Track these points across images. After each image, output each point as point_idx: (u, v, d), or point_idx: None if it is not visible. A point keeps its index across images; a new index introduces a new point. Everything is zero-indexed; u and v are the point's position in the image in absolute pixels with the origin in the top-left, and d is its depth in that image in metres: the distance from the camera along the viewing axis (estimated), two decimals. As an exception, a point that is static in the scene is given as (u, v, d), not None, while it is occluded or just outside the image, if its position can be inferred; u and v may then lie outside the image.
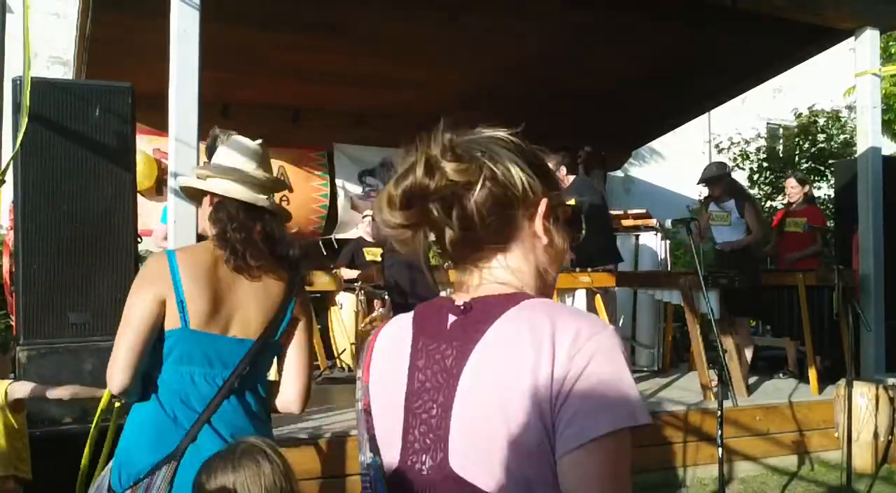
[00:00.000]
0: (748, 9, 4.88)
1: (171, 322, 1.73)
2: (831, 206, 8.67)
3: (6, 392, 2.81)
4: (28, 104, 3.05)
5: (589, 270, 5.03)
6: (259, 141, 1.95)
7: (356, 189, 8.17)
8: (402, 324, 1.00)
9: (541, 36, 5.76)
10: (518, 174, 0.93)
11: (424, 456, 0.89)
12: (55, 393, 2.80)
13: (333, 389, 5.24)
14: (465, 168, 0.91)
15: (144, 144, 6.74)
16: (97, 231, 3.58)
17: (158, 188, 7.18)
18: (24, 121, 3.07)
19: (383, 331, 1.03)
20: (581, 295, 5.03)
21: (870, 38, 5.25)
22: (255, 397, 1.83)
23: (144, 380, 1.77)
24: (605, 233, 5.42)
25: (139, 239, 4.03)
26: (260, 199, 1.85)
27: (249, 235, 1.81)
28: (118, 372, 1.71)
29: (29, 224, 3.50)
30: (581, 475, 0.80)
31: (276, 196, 8.21)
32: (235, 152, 1.91)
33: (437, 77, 6.70)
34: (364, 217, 6.78)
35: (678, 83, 6.70)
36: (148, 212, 6.44)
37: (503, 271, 0.95)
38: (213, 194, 1.87)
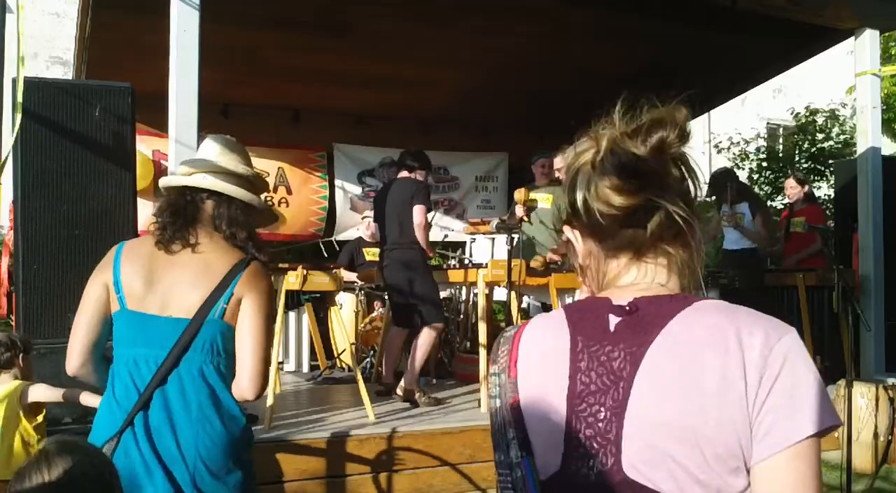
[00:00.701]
0: (748, 9, 4.88)
1: (114, 306, 1.82)
2: (831, 206, 8.67)
3: (21, 395, 2.80)
4: (20, 101, 3.05)
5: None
6: (226, 136, 2.01)
7: (356, 189, 8.17)
8: (553, 322, 0.96)
9: (540, 36, 5.76)
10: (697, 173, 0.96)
11: (591, 461, 0.86)
12: (84, 398, 2.79)
13: (333, 389, 5.24)
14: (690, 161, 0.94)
15: (142, 145, 6.73)
16: (97, 231, 3.58)
17: (157, 189, 7.17)
18: (18, 117, 3.07)
19: (530, 329, 0.98)
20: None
21: (870, 38, 5.25)
22: (204, 381, 1.78)
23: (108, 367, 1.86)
24: None
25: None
26: (197, 179, 1.88)
27: (176, 215, 1.85)
28: (70, 355, 1.85)
29: (29, 224, 3.50)
30: (784, 479, 0.79)
31: (277, 197, 8.20)
32: (203, 148, 1.99)
33: (437, 77, 6.70)
34: (364, 218, 6.77)
35: (678, 83, 6.68)
36: (145, 211, 6.43)
37: (667, 271, 0.93)
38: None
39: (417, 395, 4.42)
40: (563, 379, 0.90)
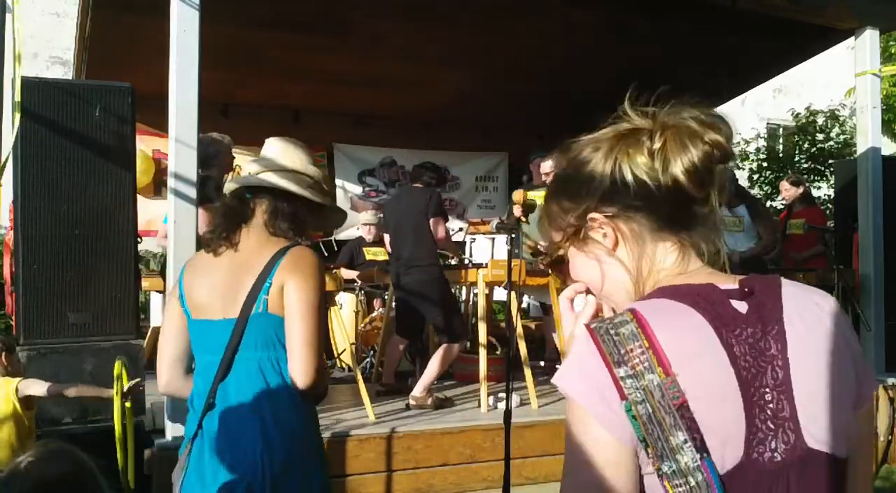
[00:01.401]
0: (748, 9, 4.88)
1: (184, 319, 1.88)
2: (831, 206, 8.67)
3: (17, 389, 2.83)
4: (18, 100, 3.05)
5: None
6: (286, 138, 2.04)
7: (356, 189, 8.17)
8: (680, 312, 0.89)
9: (541, 36, 5.76)
10: None
11: (774, 442, 0.86)
12: (71, 391, 2.84)
13: (333, 389, 5.24)
14: None
15: (141, 145, 6.73)
16: (97, 231, 3.58)
17: (157, 188, 7.18)
18: (17, 117, 3.07)
19: (658, 320, 0.88)
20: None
21: (870, 38, 5.25)
22: (262, 378, 1.76)
23: None
24: None
25: (139, 239, 4.03)
26: (252, 178, 1.90)
27: (227, 216, 1.87)
28: (160, 373, 1.90)
29: (29, 224, 3.50)
30: (869, 421, 0.96)
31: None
32: (265, 148, 2.00)
33: (437, 77, 6.70)
34: (365, 225, 6.76)
35: (678, 83, 6.67)
36: (145, 210, 6.44)
37: (697, 256, 0.97)
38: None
39: (429, 400, 4.42)
40: (727, 369, 0.86)
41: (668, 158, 0.92)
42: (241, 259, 1.82)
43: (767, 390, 0.87)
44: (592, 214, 0.95)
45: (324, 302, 1.84)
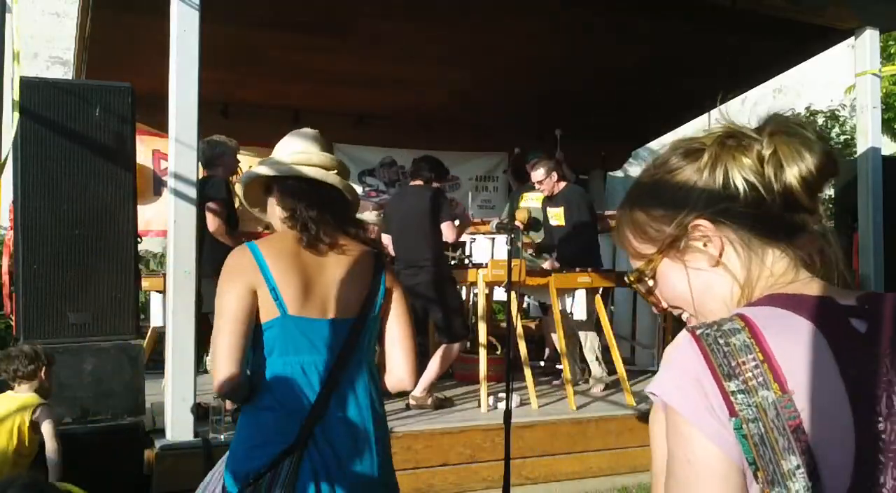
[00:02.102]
0: (748, 9, 4.88)
1: (268, 313, 1.69)
2: (831, 206, 8.67)
3: (36, 408, 2.93)
4: (16, 99, 3.06)
5: (589, 269, 5.04)
6: (316, 130, 1.99)
7: (356, 189, 8.17)
8: (792, 323, 0.83)
9: (541, 36, 5.76)
10: None
11: (882, 477, 0.78)
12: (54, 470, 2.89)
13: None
14: None
15: (141, 145, 6.73)
16: (97, 231, 3.58)
17: (156, 189, 7.18)
18: (15, 116, 3.08)
19: (773, 333, 0.83)
20: (581, 295, 5.03)
21: (870, 38, 5.25)
22: (370, 377, 1.78)
23: (251, 379, 1.73)
24: (586, 242, 5.38)
25: (139, 239, 4.03)
26: (330, 176, 1.85)
27: (321, 211, 1.78)
28: (222, 364, 1.64)
29: (29, 224, 3.50)
30: None
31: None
32: (297, 139, 1.92)
33: (437, 77, 6.70)
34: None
35: (678, 83, 6.70)
36: (141, 213, 6.44)
37: (814, 260, 0.91)
38: (279, 180, 1.84)
39: (429, 400, 4.42)
40: (841, 392, 0.79)
41: (783, 164, 0.88)
42: (348, 261, 1.79)
43: (881, 418, 0.79)
44: (698, 222, 0.89)
45: None
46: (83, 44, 5.68)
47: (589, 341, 5.09)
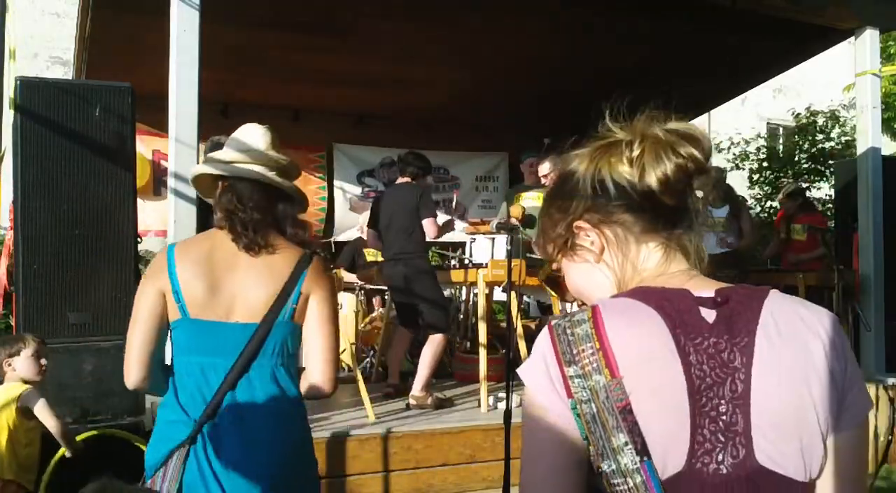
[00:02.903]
0: (748, 9, 4.88)
1: (173, 314, 1.73)
2: (831, 206, 8.67)
3: (20, 396, 2.84)
4: (12, 97, 3.06)
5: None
6: (266, 126, 1.92)
7: (355, 190, 8.17)
8: (640, 314, 0.90)
9: (541, 36, 5.76)
10: None
11: (721, 455, 0.86)
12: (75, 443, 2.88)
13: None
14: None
15: (141, 145, 6.73)
16: (97, 231, 3.58)
17: (156, 188, 7.19)
18: (11, 114, 3.08)
19: (615, 322, 0.90)
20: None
21: (870, 38, 5.25)
22: (275, 382, 1.73)
23: (167, 374, 1.78)
24: None
25: (139, 239, 4.03)
26: (270, 177, 1.81)
27: (263, 215, 1.77)
28: (131, 368, 1.72)
29: (29, 224, 3.50)
30: (856, 446, 0.91)
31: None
32: (245, 137, 1.89)
33: (437, 77, 6.70)
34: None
35: (678, 83, 6.69)
36: (142, 211, 6.44)
37: (685, 258, 0.98)
38: (224, 178, 1.84)
39: (429, 400, 4.43)
40: (678, 375, 0.87)
41: (645, 167, 0.95)
42: (261, 263, 1.75)
43: (723, 401, 0.87)
44: (578, 222, 0.99)
45: (337, 315, 1.88)
46: (83, 44, 5.68)
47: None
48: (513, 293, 4.31)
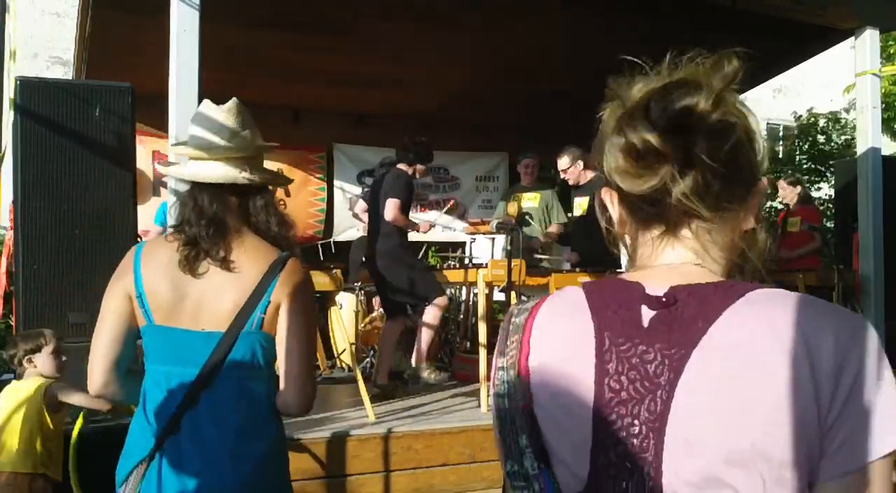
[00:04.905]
0: (748, 9, 4.88)
1: (140, 319, 1.63)
2: (831, 206, 8.67)
3: (46, 392, 2.86)
4: (11, 97, 3.06)
5: (588, 270, 5.04)
6: (232, 100, 1.74)
7: (355, 190, 8.17)
8: (572, 309, 0.81)
9: (541, 36, 5.76)
10: (761, 140, 0.82)
11: (625, 483, 0.73)
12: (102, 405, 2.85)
13: (333, 389, 5.24)
14: (742, 110, 0.81)
15: (141, 146, 6.73)
16: (97, 231, 3.58)
17: (155, 190, 7.19)
18: (10, 114, 3.08)
19: (544, 316, 0.82)
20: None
21: (870, 38, 5.25)
22: (242, 399, 1.60)
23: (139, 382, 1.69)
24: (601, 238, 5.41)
25: (139, 239, 4.03)
26: (236, 176, 1.65)
27: (219, 226, 1.62)
28: (94, 373, 1.64)
29: (29, 224, 3.50)
30: None
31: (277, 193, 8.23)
32: (202, 126, 1.71)
33: (437, 77, 6.70)
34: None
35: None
36: (143, 211, 6.44)
37: (707, 247, 0.79)
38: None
39: (427, 373, 4.44)
40: (587, 384, 0.76)
41: (605, 158, 0.83)
42: (234, 269, 1.62)
43: (637, 421, 0.73)
44: (604, 190, 0.88)
45: (315, 323, 1.72)
46: (83, 44, 5.68)
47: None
48: (513, 293, 4.31)
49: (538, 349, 0.81)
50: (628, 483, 0.73)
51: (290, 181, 2.07)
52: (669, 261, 0.81)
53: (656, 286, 0.78)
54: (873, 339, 0.70)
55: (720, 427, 0.70)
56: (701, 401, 0.71)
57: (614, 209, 0.86)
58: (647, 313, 0.77)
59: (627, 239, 0.87)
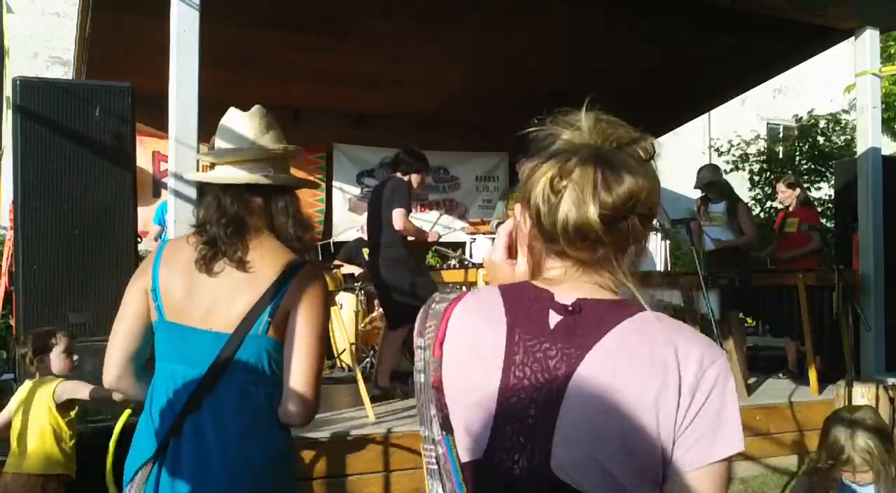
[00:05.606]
0: (748, 9, 4.88)
1: (153, 314, 1.64)
2: (831, 206, 8.67)
3: (54, 392, 2.84)
4: (8, 96, 3.06)
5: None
6: (256, 106, 1.80)
7: (354, 190, 8.17)
8: (488, 306, 0.94)
9: (541, 36, 5.76)
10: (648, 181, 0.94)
11: (517, 455, 0.87)
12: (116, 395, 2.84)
13: (333, 389, 5.24)
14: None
15: (141, 146, 6.73)
16: (97, 231, 3.59)
17: (155, 190, 7.19)
18: (9, 114, 3.08)
19: (463, 308, 0.96)
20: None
21: (870, 38, 5.25)
22: (245, 403, 1.59)
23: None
24: None
25: (139, 239, 4.04)
26: (258, 177, 1.67)
27: (239, 226, 1.63)
28: (108, 367, 1.67)
29: (29, 224, 3.50)
30: (696, 489, 0.85)
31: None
32: (228, 131, 1.77)
33: (437, 77, 6.70)
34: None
35: (678, 83, 6.69)
36: (142, 211, 6.44)
37: (611, 273, 0.93)
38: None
39: (390, 389, 4.51)
40: (496, 369, 0.90)
41: (559, 207, 0.89)
42: (241, 269, 1.62)
43: (534, 406, 0.87)
44: (518, 204, 0.99)
45: (326, 334, 1.71)
46: (83, 44, 5.68)
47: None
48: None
49: (453, 336, 0.94)
50: (520, 456, 0.87)
51: (316, 185, 2.03)
52: (577, 278, 0.93)
53: (564, 296, 0.92)
54: (726, 367, 0.88)
55: (602, 418, 0.85)
56: (588, 395, 0.86)
57: (527, 225, 0.96)
58: (554, 318, 0.91)
59: (535, 253, 0.98)
